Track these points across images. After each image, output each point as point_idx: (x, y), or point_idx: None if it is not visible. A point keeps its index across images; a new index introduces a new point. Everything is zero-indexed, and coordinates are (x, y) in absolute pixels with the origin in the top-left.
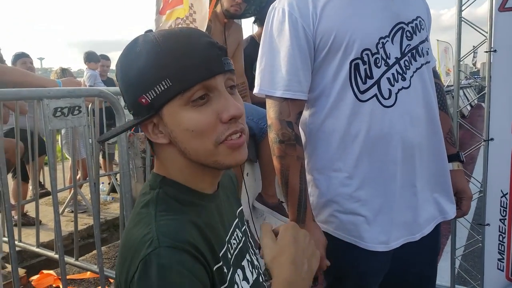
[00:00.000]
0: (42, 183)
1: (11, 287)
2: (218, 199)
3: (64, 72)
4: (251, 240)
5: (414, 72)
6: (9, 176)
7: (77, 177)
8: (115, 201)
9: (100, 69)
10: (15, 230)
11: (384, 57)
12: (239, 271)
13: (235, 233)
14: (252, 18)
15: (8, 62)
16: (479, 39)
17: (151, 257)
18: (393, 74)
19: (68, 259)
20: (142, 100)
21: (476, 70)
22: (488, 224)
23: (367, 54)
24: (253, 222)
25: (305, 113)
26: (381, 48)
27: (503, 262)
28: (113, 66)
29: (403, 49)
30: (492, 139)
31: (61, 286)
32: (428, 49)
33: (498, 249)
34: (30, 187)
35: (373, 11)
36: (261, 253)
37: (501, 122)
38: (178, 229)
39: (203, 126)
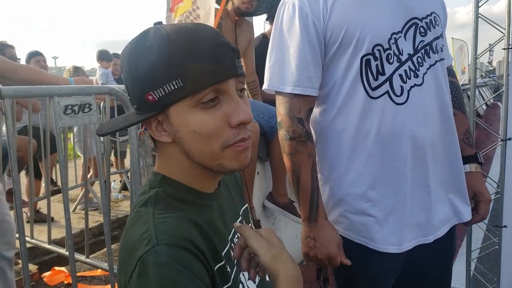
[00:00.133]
0: (55, 180)
1: (22, 283)
2: (219, 198)
3: (77, 70)
4: None
5: (427, 69)
6: (22, 173)
7: (89, 174)
8: (126, 198)
9: (112, 68)
10: (28, 226)
11: (397, 53)
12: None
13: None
14: (264, 16)
15: (23, 61)
16: (494, 36)
17: (149, 255)
18: (405, 70)
19: (79, 256)
20: (149, 97)
21: (492, 68)
22: (505, 226)
23: (378, 50)
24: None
25: (316, 111)
26: (393, 44)
27: None
28: None
29: (416, 45)
30: (510, 138)
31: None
32: (443, 46)
33: None
34: (42, 184)
35: (385, 6)
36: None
37: None
38: (176, 227)
39: (211, 129)
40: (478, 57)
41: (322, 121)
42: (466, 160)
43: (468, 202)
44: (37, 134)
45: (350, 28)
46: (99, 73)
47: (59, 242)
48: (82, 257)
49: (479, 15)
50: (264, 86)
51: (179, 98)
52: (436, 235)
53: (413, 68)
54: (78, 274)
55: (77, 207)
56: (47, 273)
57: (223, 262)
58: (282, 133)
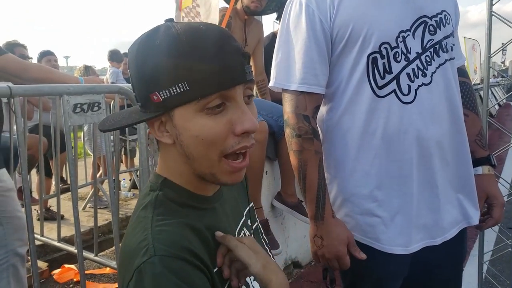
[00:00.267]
0: (65, 178)
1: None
2: (221, 199)
3: (87, 69)
4: (265, 238)
5: (436, 68)
6: (34, 171)
7: (99, 173)
8: (136, 197)
9: (123, 67)
10: (38, 224)
11: (405, 52)
12: None
13: (242, 232)
14: (274, 15)
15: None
16: (507, 36)
17: (146, 266)
18: (413, 69)
19: (88, 254)
20: (154, 97)
21: (504, 68)
22: None
23: (385, 48)
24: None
25: (323, 109)
26: (401, 42)
27: None
28: None
29: (424, 44)
30: None
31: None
32: (453, 45)
33: None
34: (53, 182)
35: (393, 4)
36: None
37: None
38: (174, 236)
39: (214, 135)
40: (491, 56)
41: (329, 120)
42: (479, 162)
43: (477, 205)
44: (48, 132)
45: (357, 25)
46: (109, 72)
47: (69, 240)
48: (91, 255)
49: (493, 13)
50: (270, 84)
51: (184, 101)
52: (445, 238)
53: (421, 67)
54: (87, 272)
55: (87, 205)
56: (56, 271)
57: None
58: (288, 131)
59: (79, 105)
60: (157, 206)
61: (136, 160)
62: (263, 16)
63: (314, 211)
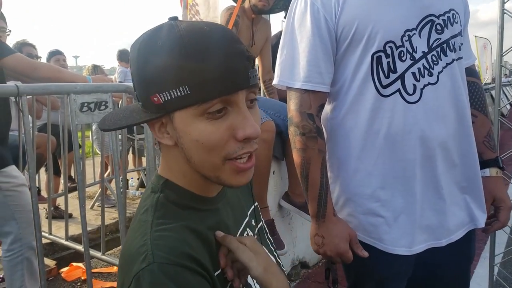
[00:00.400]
0: (73, 177)
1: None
2: (224, 199)
3: (96, 69)
4: (271, 238)
5: (443, 67)
6: (42, 170)
7: (107, 172)
8: None
9: None
10: (46, 222)
11: (410, 51)
12: None
13: (245, 233)
14: (282, 14)
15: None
16: None
17: (144, 274)
18: (419, 68)
19: (95, 253)
20: (154, 98)
21: None
22: None
23: (390, 47)
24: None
25: (327, 108)
26: (406, 41)
27: None
28: None
29: (431, 43)
30: None
31: None
32: (461, 44)
33: None
34: (62, 181)
35: (399, 3)
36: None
37: None
38: (173, 241)
39: (215, 141)
40: (503, 54)
41: (333, 119)
42: (487, 164)
43: (484, 208)
44: (57, 131)
45: (362, 24)
46: (117, 72)
47: (77, 239)
48: (98, 254)
49: (505, 11)
50: (275, 81)
51: (184, 105)
52: (450, 239)
53: (428, 66)
54: (95, 270)
55: (95, 204)
56: (65, 269)
57: (220, 270)
58: (292, 129)
59: (86, 104)
60: (157, 209)
61: (144, 159)
62: (270, 15)
63: (315, 209)
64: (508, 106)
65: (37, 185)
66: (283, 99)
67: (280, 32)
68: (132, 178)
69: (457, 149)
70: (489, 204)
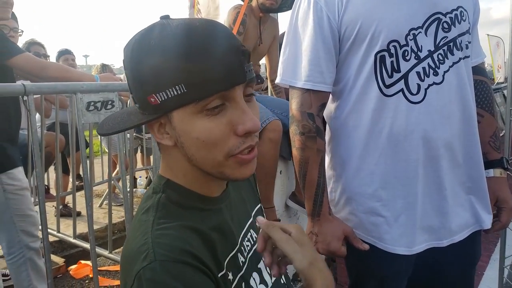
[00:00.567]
0: (82, 176)
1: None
2: (227, 200)
3: (104, 68)
4: None
5: (450, 66)
6: (51, 168)
7: (116, 170)
8: None
9: None
10: (55, 220)
11: (415, 50)
12: (255, 275)
13: (249, 234)
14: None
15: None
16: None
17: (146, 272)
18: (423, 68)
19: (102, 251)
20: (151, 99)
21: None
22: None
23: (394, 46)
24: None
25: (331, 107)
26: (411, 40)
27: None
28: None
29: (437, 42)
30: None
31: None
32: (469, 42)
33: None
34: (71, 180)
35: (404, 0)
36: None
37: None
38: (174, 239)
39: (215, 137)
40: None
41: (336, 118)
42: (491, 164)
43: (490, 209)
44: (65, 130)
45: (365, 23)
46: None
47: (85, 237)
48: (105, 252)
49: None
50: (277, 80)
51: (182, 104)
52: (452, 240)
53: (433, 66)
54: (102, 268)
55: (104, 203)
56: (73, 266)
57: (224, 271)
58: (292, 128)
59: (92, 103)
60: (159, 209)
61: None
62: (278, 14)
63: (311, 208)
64: None
65: (46, 183)
66: None
67: None
68: (140, 176)
69: (462, 149)
70: (492, 205)
